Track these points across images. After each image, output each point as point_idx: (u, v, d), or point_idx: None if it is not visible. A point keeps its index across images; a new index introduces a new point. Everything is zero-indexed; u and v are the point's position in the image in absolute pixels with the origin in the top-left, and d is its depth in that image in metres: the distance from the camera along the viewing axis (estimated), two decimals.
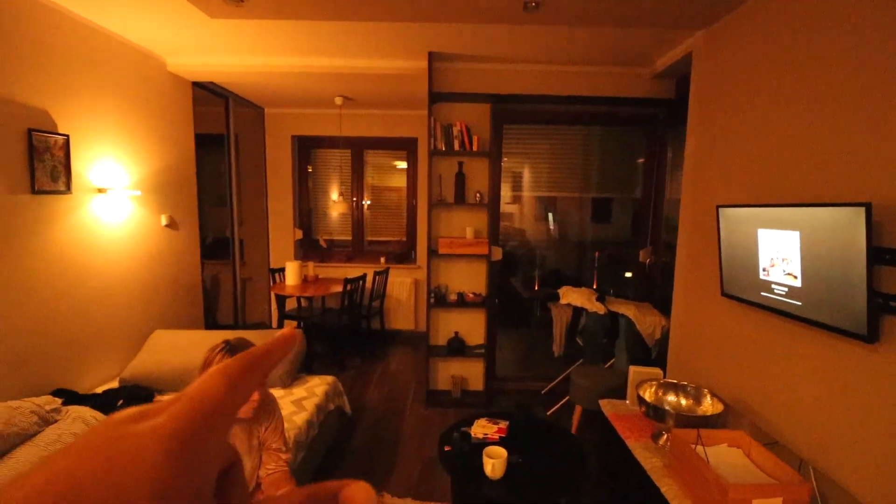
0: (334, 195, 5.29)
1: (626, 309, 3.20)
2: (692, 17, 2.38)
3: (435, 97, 3.25)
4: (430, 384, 3.56)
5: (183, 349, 2.68)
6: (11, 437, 1.84)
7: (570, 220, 4.67)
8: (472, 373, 3.64)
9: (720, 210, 2.09)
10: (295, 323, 4.33)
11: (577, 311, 3.52)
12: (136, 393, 2.40)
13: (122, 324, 2.88)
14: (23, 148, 2.20)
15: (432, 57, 3.11)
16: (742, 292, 1.98)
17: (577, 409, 3.08)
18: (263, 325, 5.09)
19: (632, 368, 2.33)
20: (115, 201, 2.77)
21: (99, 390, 2.48)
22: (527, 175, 4.30)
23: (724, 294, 2.11)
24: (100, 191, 2.64)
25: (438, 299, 3.44)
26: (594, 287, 3.97)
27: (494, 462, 1.57)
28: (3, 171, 2.10)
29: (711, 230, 2.28)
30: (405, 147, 5.11)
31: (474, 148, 3.23)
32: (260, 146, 4.94)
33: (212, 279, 4.67)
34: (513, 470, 1.65)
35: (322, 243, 5.25)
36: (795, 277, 1.66)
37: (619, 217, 4.26)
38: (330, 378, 2.88)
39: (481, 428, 1.89)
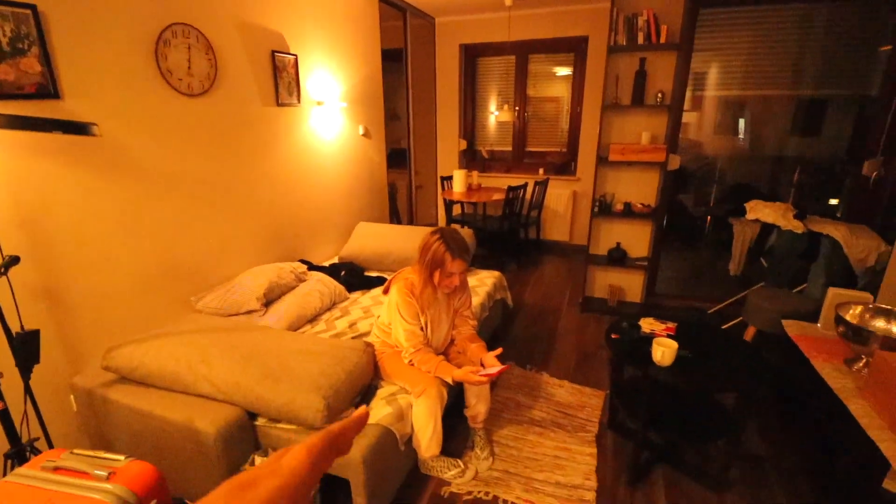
0: (493, 106, 5.36)
1: (834, 229, 2.76)
2: None
3: None
4: (586, 291, 3.70)
5: (380, 237, 3.28)
6: (282, 287, 2.58)
7: (767, 131, 4.03)
8: (631, 284, 3.65)
9: None
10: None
11: (765, 230, 3.16)
12: (352, 268, 3.06)
13: (337, 214, 3.60)
14: (269, 67, 2.76)
15: None
16: None
17: (750, 330, 2.90)
18: (432, 224, 5.71)
19: (832, 290, 2.09)
20: (328, 112, 3.32)
21: (326, 263, 3.22)
22: (713, 74, 3.76)
23: None
24: (318, 103, 3.19)
25: (603, 208, 3.42)
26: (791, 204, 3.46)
27: (664, 349, 1.68)
28: (259, 86, 2.70)
29: None
30: (573, 48, 4.81)
31: (661, 40, 2.92)
32: (430, 58, 5.17)
33: (390, 186, 5.33)
34: (681, 361, 1.74)
35: (484, 154, 5.48)
36: None
37: (831, 127, 3.57)
38: (497, 273, 3.21)
39: (649, 324, 1.99)
